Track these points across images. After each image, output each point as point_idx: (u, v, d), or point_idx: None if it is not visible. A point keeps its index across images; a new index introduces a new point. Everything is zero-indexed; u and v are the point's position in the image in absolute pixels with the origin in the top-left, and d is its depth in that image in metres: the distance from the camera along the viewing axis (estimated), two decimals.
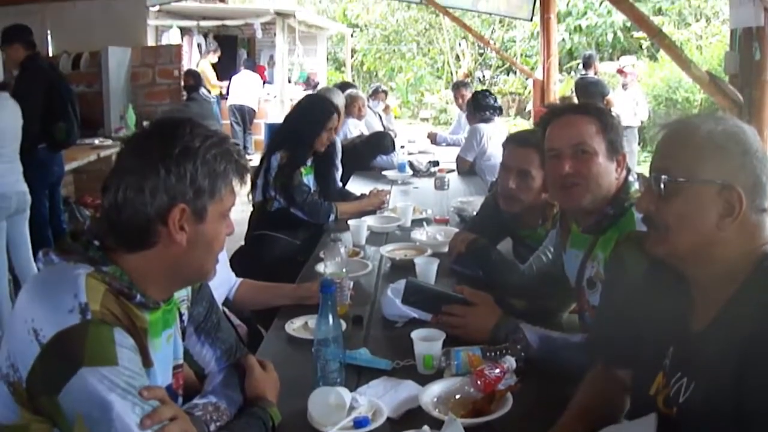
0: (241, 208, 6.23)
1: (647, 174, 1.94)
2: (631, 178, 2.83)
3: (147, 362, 1.87)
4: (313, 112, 5.35)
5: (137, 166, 1.85)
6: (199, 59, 17.63)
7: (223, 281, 3.38)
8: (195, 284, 2.21)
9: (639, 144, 13.03)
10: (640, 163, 14.06)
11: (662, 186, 1.83)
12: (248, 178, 2.08)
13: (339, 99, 6.75)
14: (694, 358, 1.85)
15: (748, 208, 1.78)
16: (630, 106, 12.40)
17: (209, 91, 11.35)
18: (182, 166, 1.84)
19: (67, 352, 1.68)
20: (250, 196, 5.23)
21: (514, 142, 3.91)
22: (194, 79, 11.43)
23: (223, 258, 3.39)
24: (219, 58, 17.37)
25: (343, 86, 9.89)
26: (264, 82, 17.56)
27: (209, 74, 16.89)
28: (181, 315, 2.15)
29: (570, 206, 2.93)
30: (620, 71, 13.20)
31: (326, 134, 5.23)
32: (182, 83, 11.57)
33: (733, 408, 1.69)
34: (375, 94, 11.43)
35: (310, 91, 13.51)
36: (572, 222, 3.02)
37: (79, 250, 1.87)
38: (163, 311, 2.00)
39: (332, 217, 5.13)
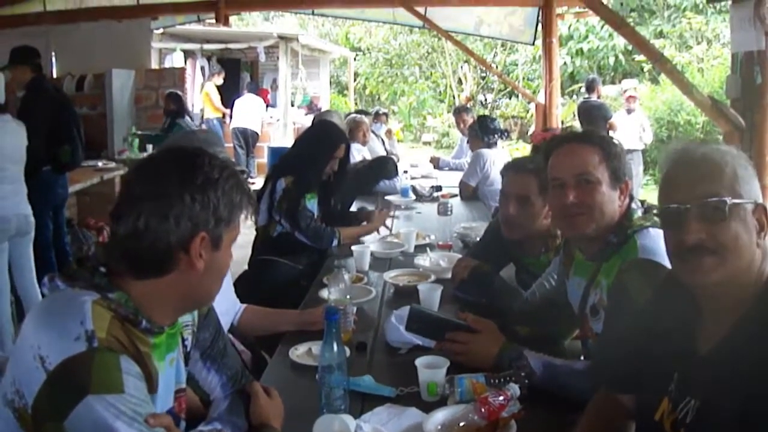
0: (244, 231, 6.24)
1: (679, 200, 1.90)
2: (634, 206, 2.84)
3: (152, 388, 1.88)
4: (326, 139, 5.36)
5: (158, 194, 1.86)
6: (203, 81, 17.69)
7: (229, 308, 3.39)
8: (201, 309, 2.23)
9: (643, 167, 13.03)
10: (643, 186, 14.08)
11: (725, 209, 1.82)
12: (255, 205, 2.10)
13: (343, 124, 6.77)
14: (701, 380, 1.86)
15: None
16: (635, 130, 12.44)
17: (192, 119, 10.80)
18: (206, 194, 1.88)
19: (74, 379, 1.69)
20: (254, 220, 5.24)
21: (512, 169, 3.93)
22: (176, 103, 10.76)
23: (228, 284, 3.40)
24: (223, 80, 17.41)
25: (358, 114, 9.97)
26: (267, 106, 17.61)
27: (213, 97, 16.97)
28: (183, 340, 2.16)
29: (574, 235, 2.93)
30: (629, 97, 13.22)
31: (333, 163, 5.24)
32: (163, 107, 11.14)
33: (740, 429, 1.70)
34: (376, 116, 11.46)
35: (312, 115, 13.49)
36: (576, 249, 3.03)
37: (84, 276, 1.88)
38: (167, 335, 2.00)
39: (335, 242, 5.13)
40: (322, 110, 12.56)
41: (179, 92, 10.76)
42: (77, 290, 1.84)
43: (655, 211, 2.77)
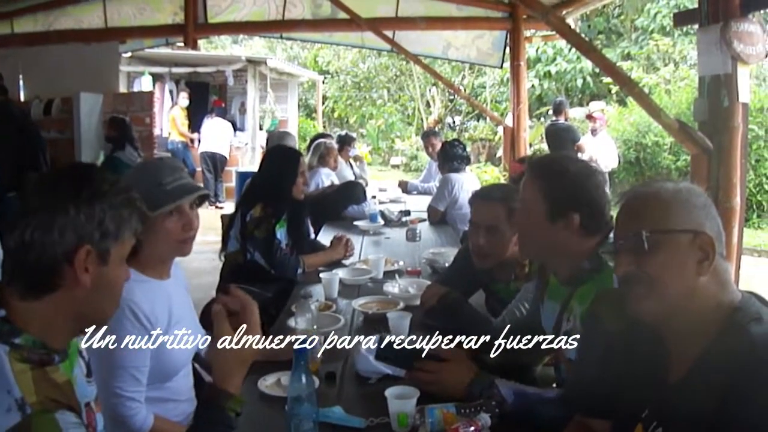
0: (212, 257, 6.23)
1: (615, 238, 2.03)
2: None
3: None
4: (286, 162, 5.42)
5: (46, 206, 1.84)
6: (171, 105, 17.68)
7: (195, 334, 3.34)
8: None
9: (610, 189, 13.09)
10: (612, 208, 14.11)
11: (644, 241, 1.89)
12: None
13: (290, 139, 6.87)
14: (670, 410, 1.89)
15: (717, 253, 1.87)
16: (601, 152, 12.48)
17: (136, 148, 10.16)
18: (92, 207, 1.85)
19: None
20: (221, 250, 5.27)
21: (479, 198, 3.94)
22: (118, 130, 10.13)
23: (191, 311, 3.37)
24: (190, 102, 17.37)
25: (320, 137, 9.98)
26: (222, 109, 17.64)
27: (178, 122, 16.94)
28: (80, 352, 2.10)
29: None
30: (589, 117, 13.31)
31: (301, 179, 5.29)
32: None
33: None
34: (350, 141, 11.47)
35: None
36: (551, 274, 3.03)
37: None
38: (70, 355, 1.98)
39: (300, 271, 5.14)
40: (275, 132, 12.51)
41: (126, 118, 10.54)
42: None
43: None
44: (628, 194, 2.04)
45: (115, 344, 2.78)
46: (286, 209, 5.27)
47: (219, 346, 2.14)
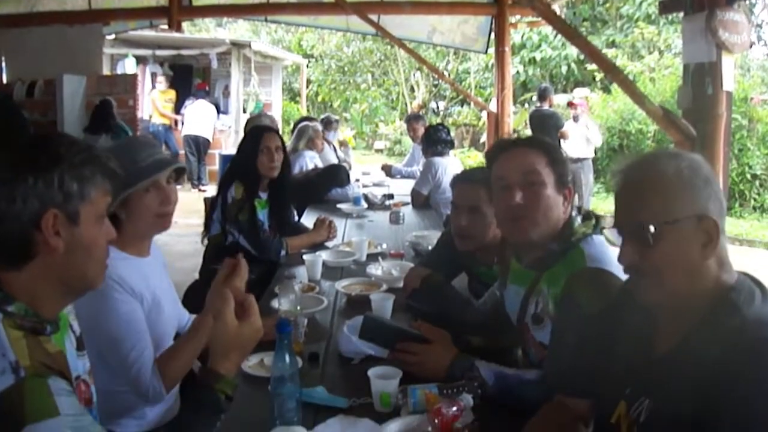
0: (195, 240, 6.23)
1: (614, 223, 1.98)
2: (574, 213, 2.85)
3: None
4: (246, 139, 5.51)
5: (7, 178, 1.84)
6: (151, 89, 17.66)
7: (175, 313, 3.34)
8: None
9: (593, 175, 13.13)
10: (594, 194, 14.17)
11: (649, 235, 1.86)
12: (117, 179, 2.05)
13: (266, 120, 6.89)
14: (657, 381, 1.90)
15: (721, 232, 1.86)
16: (583, 138, 12.53)
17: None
18: (50, 172, 1.86)
19: (8, 413, 1.67)
20: (204, 233, 5.27)
21: (461, 179, 3.92)
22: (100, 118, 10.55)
23: (173, 292, 3.38)
24: (173, 86, 17.34)
25: (304, 120, 9.99)
26: (206, 91, 17.56)
27: (158, 104, 16.93)
28: (71, 326, 2.12)
29: (518, 239, 2.91)
30: (570, 104, 13.33)
31: (265, 156, 5.25)
32: None
33: (693, 430, 1.74)
34: (328, 124, 11.47)
35: None
36: (512, 258, 3.04)
37: None
38: (61, 328, 1.99)
39: (283, 253, 5.14)
40: (253, 116, 12.50)
41: (111, 99, 10.56)
42: None
43: (594, 221, 2.83)
44: (626, 172, 1.99)
45: (109, 316, 2.81)
46: (259, 187, 5.28)
47: (218, 329, 2.11)
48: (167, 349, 3.01)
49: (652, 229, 1.86)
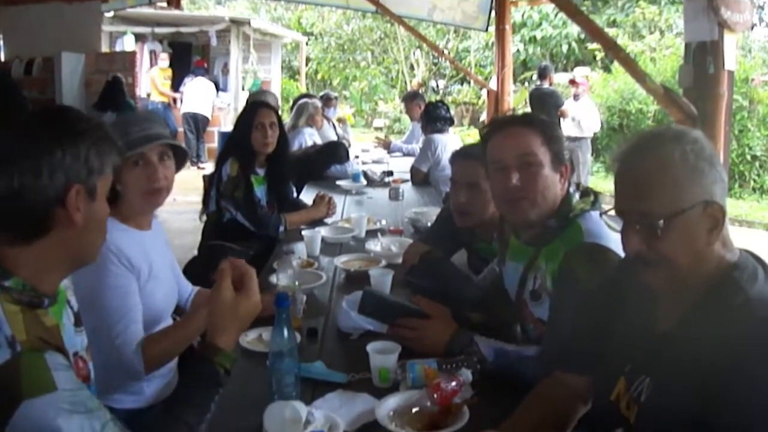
0: (194, 218, 6.22)
1: (616, 207, 1.96)
2: (571, 190, 2.83)
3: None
4: (241, 115, 5.48)
5: (29, 152, 1.82)
6: (150, 66, 17.62)
7: (173, 290, 3.33)
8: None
9: (592, 154, 13.12)
10: (592, 173, 14.16)
11: (658, 229, 1.83)
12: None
13: (265, 96, 6.91)
14: (658, 357, 1.89)
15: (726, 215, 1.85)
16: (583, 117, 12.50)
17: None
18: (76, 146, 1.85)
19: (5, 388, 1.65)
20: (202, 210, 5.26)
21: (459, 156, 3.91)
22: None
23: (175, 267, 3.37)
24: (172, 64, 17.30)
25: (304, 97, 9.98)
26: (204, 70, 17.54)
27: (157, 82, 16.90)
28: (69, 302, 2.11)
29: (516, 220, 2.90)
30: (572, 82, 13.29)
31: (259, 132, 5.20)
32: None
33: (696, 409, 1.72)
34: (327, 101, 11.45)
35: None
36: (510, 234, 3.02)
37: None
38: (59, 301, 1.98)
39: (282, 228, 5.13)
40: (255, 92, 12.49)
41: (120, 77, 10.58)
42: None
43: (592, 197, 2.82)
44: (630, 156, 1.94)
45: (102, 286, 2.79)
46: (254, 164, 5.26)
47: (216, 301, 2.10)
48: (158, 331, 2.99)
49: (661, 223, 1.83)
